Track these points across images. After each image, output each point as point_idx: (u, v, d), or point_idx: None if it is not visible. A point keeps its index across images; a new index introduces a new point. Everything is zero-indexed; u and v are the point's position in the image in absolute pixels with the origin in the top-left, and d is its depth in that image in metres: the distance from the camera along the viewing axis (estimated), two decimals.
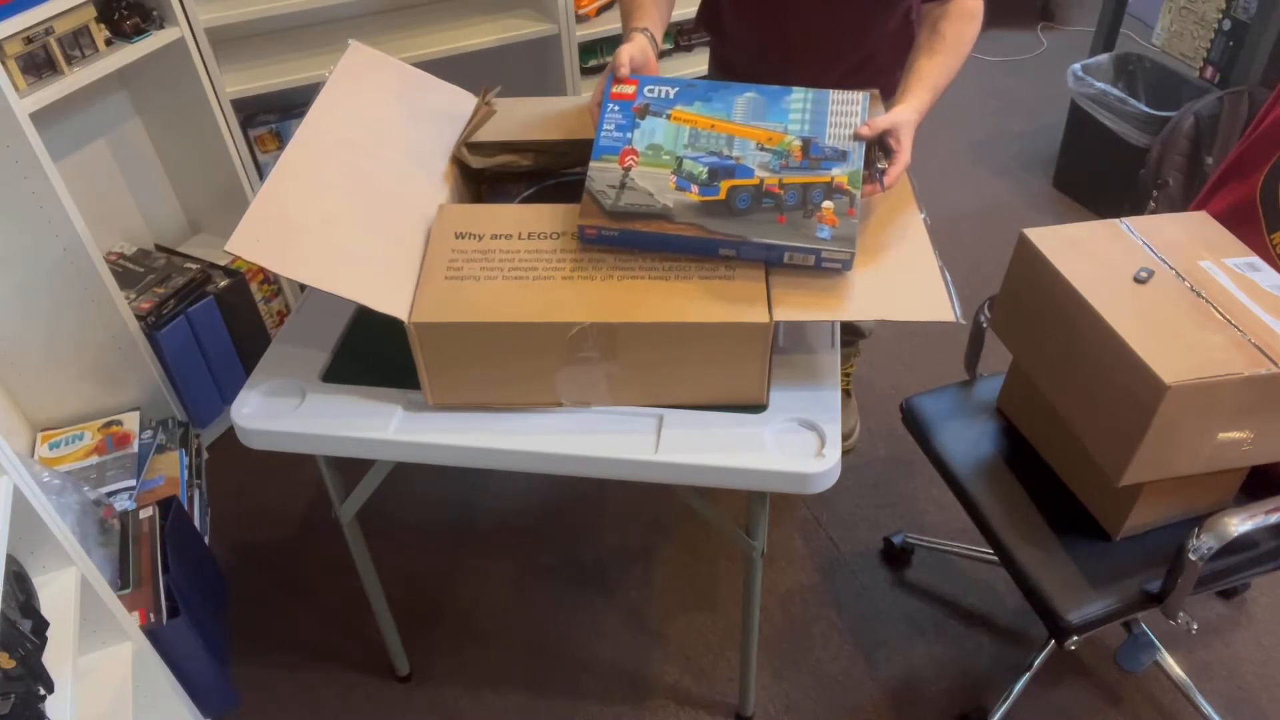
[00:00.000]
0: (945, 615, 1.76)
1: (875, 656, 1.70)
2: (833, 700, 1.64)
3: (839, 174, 1.12)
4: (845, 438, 2.11)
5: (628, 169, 1.14)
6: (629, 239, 1.12)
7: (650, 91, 1.20)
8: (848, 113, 1.17)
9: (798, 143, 1.14)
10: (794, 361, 1.22)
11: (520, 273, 1.12)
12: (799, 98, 1.18)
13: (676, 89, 1.20)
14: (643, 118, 1.17)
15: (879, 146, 1.19)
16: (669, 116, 1.17)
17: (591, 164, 1.14)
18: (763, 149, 1.14)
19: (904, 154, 1.17)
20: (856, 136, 1.15)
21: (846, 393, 2.16)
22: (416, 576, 1.88)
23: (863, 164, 1.13)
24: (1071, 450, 1.36)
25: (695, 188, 1.12)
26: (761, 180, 1.12)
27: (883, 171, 1.16)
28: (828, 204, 1.10)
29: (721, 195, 1.11)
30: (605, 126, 1.17)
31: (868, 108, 1.17)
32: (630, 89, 1.20)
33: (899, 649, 1.71)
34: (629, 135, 1.16)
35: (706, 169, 1.13)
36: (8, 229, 1.61)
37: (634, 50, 1.22)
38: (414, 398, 1.19)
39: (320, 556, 1.92)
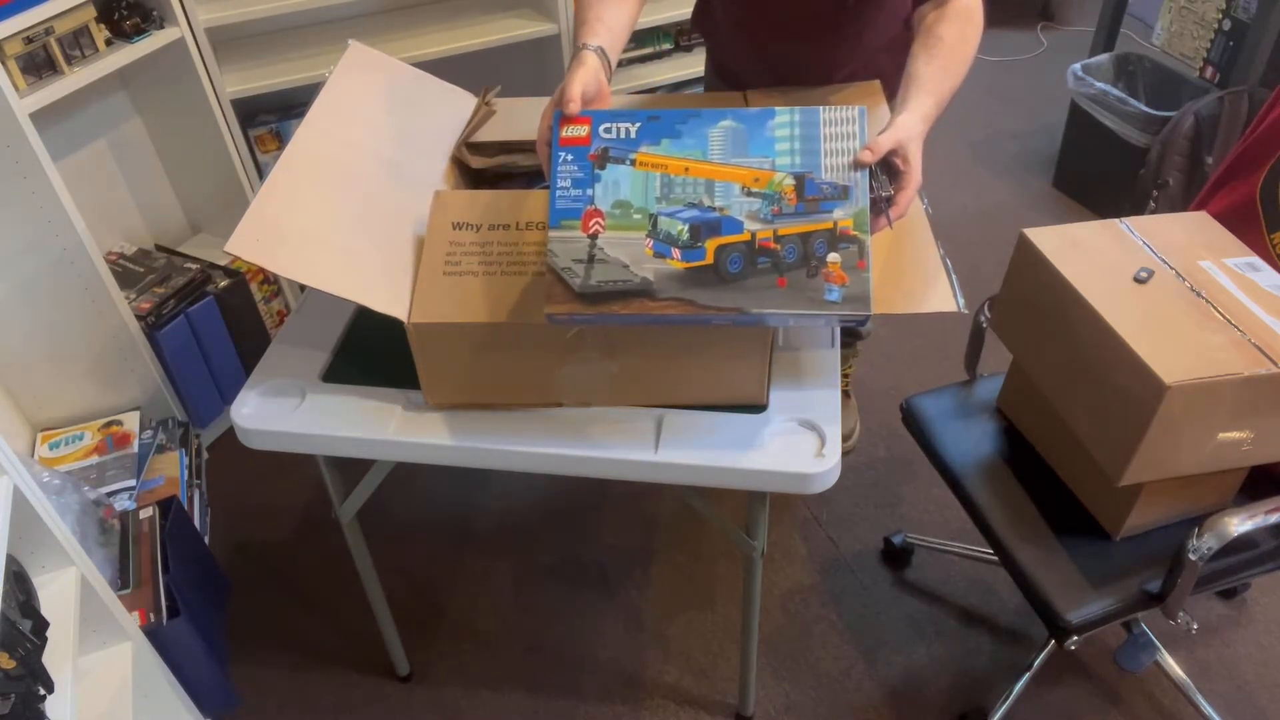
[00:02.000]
0: (945, 615, 1.76)
1: (875, 656, 1.70)
2: (833, 700, 1.64)
3: (842, 216, 0.97)
4: (845, 438, 2.11)
5: (594, 235, 0.97)
6: (609, 321, 0.98)
7: (607, 131, 1.01)
8: (843, 135, 1.00)
9: (790, 181, 0.98)
10: (794, 361, 1.22)
11: (519, 267, 1.11)
12: (784, 121, 1.01)
13: (638, 124, 1.01)
14: (602, 166, 1.00)
15: (883, 168, 1.04)
16: (633, 162, 1.00)
17: (550, 234, 0.98)
18: (750, 193, 0.98)
19: (914, 174, 1.03)
20: (857, 164, 0.98)
21: (846, 393, 2.16)
22: (416, 576, 1.88)
23: (868, 197, 0.98)
24: (1071, 450, 1.36)
25: (677, 251, 0.96)
26: (753, 235, 0.96)
27: (889, 200, 1.02)
28: (834, 257, 0.95)
29: (709, 258, 0.96)
30: (560, 183, 1.00)
31: (865, 126, 1.01)
32: (583, 130, 1.02)
33: (899, 649, 1.71)
34: (589, 191, 0.99)
35: (687, 226, 0.97)
36: (8, 229, 1.61)
37: (586, 79, 1.05)
38: (414, 398, 1.19)
39: (320, 556, 1.92)
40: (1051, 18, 4.06)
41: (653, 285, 0.96)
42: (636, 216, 0.98)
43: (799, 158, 0.99)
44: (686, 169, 1.00)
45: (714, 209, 0.98)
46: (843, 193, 0.98)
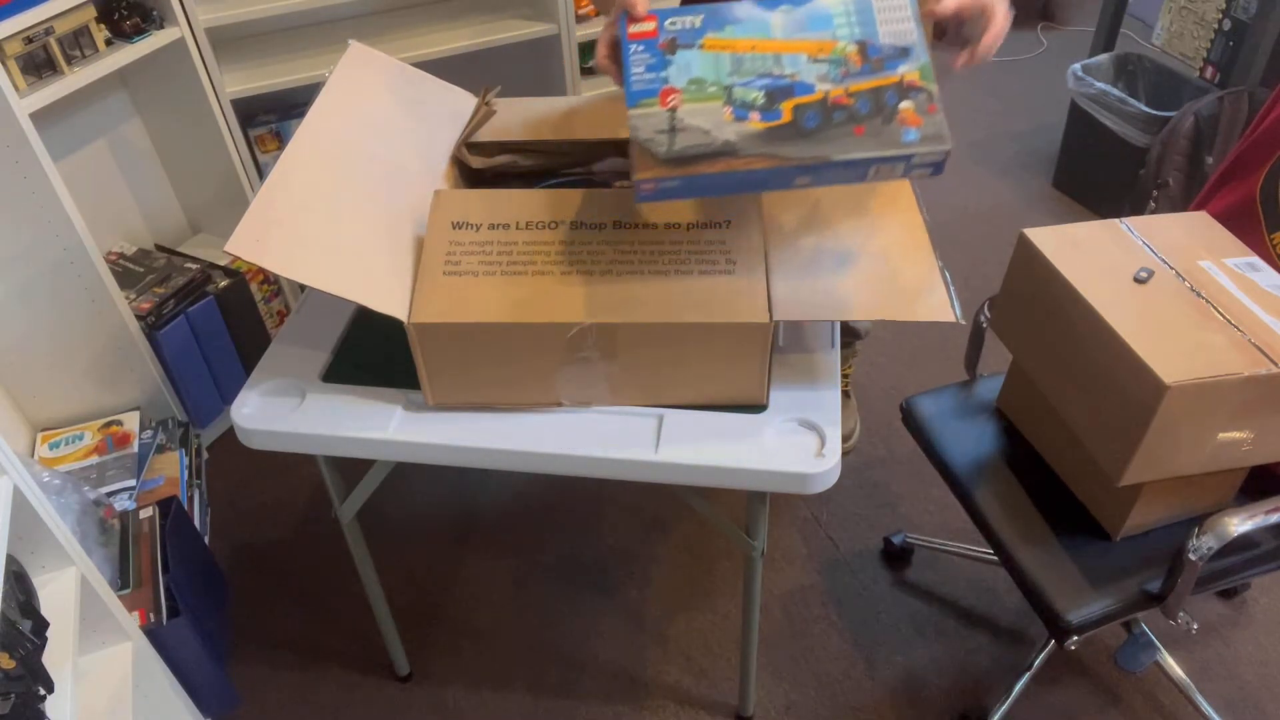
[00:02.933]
0: (945, 615, 1.76)
1: (875, 656, 1.70)
2: (833, 700, 1.64)
3: (908, 71, 1.00)
4: (845, 439, 2.12)
5: (673, 109, 1.01)
6: (694, 185, 1.00)
7: (672, 25, 1.06)
8: (895, 6, 1.04)
9: (852, 47, 1.02)
10: (794, 361, 1.22)
11: (519, 267, 1.12)
12: (838, 4, 1.06)
13: (701, 16, 1.06)
14: (672, 53, 1.04)
15: (956, 27, 1.05)
16: (701, 46, 1.04)
17: (630, 112, 1.02)
18: (815, 61, 1.02)
19: (999, 20, 1.02)
20: (933, 14, 1.01)
21: (846, 394, 2.16)
22: (416, 576, 1.88)
23: (927, 54, 1.01)
24: (1071, 450, 1.36)
25: (755, 114, 1.00)
26: (825, 93, 1.00)
27: (969, 44, 1.03)
28: (905, 104, 0.99)
29: (786, 117, 0.99)
30: (634, 69, 1.04)
31: (916, 5, 1.04)
32: (650, 25, 1.07)
33: (899, 649, 1.71)
34: (664, 74, 1.03)
35: (762, 92, 1.01)
36: (8, 229, 1.61)
37: None
38: (414, 398, 1.19)
39: (320, 556, 1.92)
40: (1051, 18, 4.06)
41: (735, 145, 0.99)
42: (711, 90, 1.02)
43: (856, 29, 1.04)
44: (753, 47, 1.04)
45: (785, 76, 1.02)
46: (903, 53, 1.02)
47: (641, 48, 1.05)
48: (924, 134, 0.98)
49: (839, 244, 1.16)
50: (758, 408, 1.15)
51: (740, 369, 1.12)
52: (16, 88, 1.61)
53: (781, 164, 0.98)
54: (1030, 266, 1.30)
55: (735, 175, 0.99)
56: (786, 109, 1.00)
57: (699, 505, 1.27)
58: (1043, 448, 1.44)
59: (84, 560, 1.25)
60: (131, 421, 1.86)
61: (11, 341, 1.73)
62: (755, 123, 1.00)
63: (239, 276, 2.07)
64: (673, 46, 1.05)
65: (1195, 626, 1.71)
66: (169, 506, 1.61)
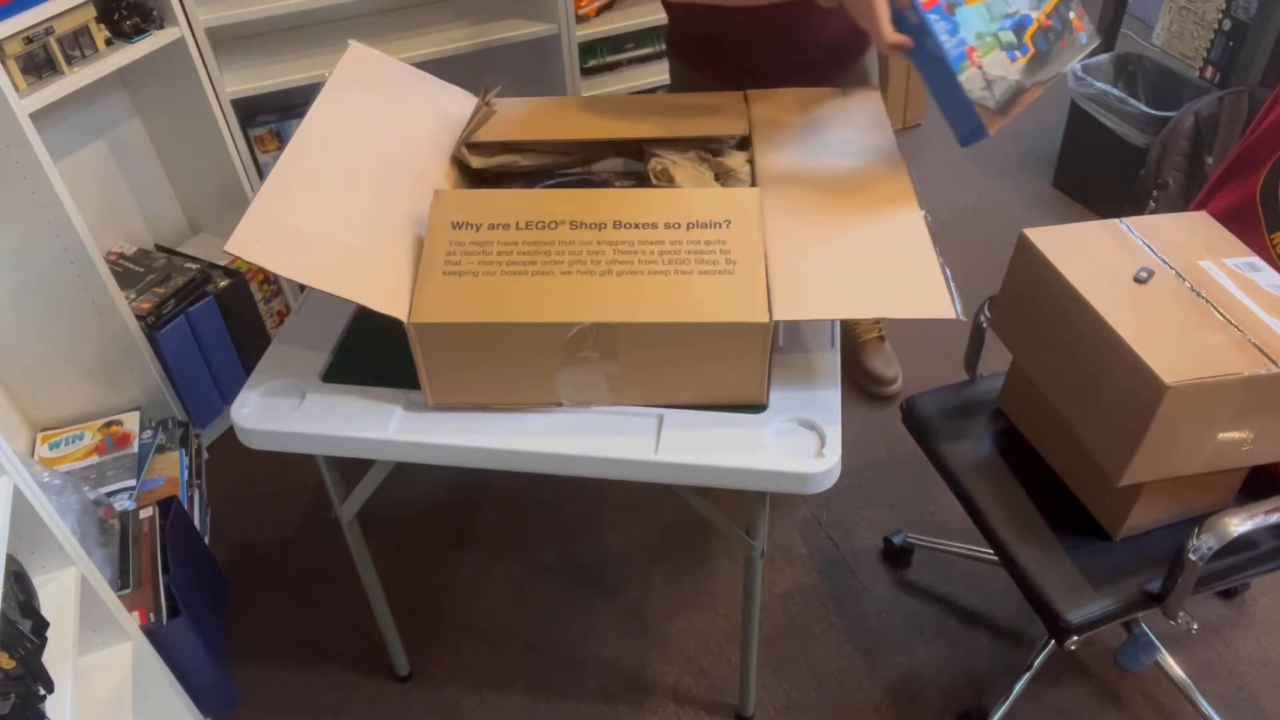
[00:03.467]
0: (945, 615, 1.76)
1: (875, 656, 1.70)
2: (833, 700, 1.64)
3: None
4: (891, 382, 2.21)
5: (980, 66, 1.21)
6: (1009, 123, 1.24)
7: None
8: None
9: None
10: (794, 361, 1.22)
11: (519, 267, 1.12)
12: None
13: None
14: (954, 14, 1.21)
15: None
16: (966, 1, 1.23)
17: (960, 78, 1.20)
18: None
19: None
20: None
21: (880, 339, 2.25)
22: (416, 576, 1.88)
23: None
24: (1071, 450, 1.36)
25: (1018, 52, 1.23)
26: (1039, 20, 1.25)
27: None
28: (1072, 15, 1.27)
29: (1032, 49, 1.24)
30: (943, 38, 1.19)
31: None
32: None
33: (899, 649, 1.71)
34: (960, 35, 1.20)
35: (1011, 31, 1.23)
36: (8, 229, 1.61)
37: None
38: (414, 398, 1.19)
39: (320, 556, 1.92)
40: None
41: (1022, 82, 1.23)
42: (989, 40, 1.22)
43: None
44: None
45: (1014, 13, 1.24)
46: None
47: (937, 17, 1.21)
48: (1088, 34, 1.27)
49: (839, 243, 1.17)
50: (758, 407, 1.15)
51: (740, 369, 1.12)
52: (16, 88, 1.61)
53: (1047, 87, 1.24)
54: (1030, 266, 1.30)
55: (1032, 103, 1.24)
56: (1028, 40, 1.24)
57: (699, 505, 1.27)
58: (1043, 448, 1.44)
59: (84, 560, 1.25)
60: (131, 421, 1.86)
61: (11, 341, 1.73)
62: (1021, 59, 1.23)
63: (239, 276, 2.07)
64: (952, 7, 1.22)
65: (1195, 626, 1.71)
66: (169, 506, 1.61)
